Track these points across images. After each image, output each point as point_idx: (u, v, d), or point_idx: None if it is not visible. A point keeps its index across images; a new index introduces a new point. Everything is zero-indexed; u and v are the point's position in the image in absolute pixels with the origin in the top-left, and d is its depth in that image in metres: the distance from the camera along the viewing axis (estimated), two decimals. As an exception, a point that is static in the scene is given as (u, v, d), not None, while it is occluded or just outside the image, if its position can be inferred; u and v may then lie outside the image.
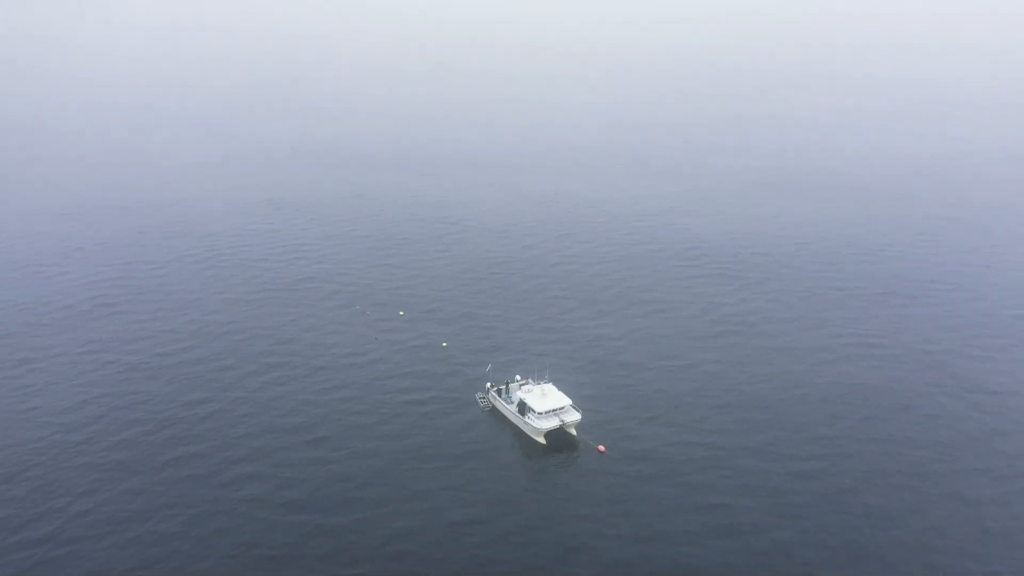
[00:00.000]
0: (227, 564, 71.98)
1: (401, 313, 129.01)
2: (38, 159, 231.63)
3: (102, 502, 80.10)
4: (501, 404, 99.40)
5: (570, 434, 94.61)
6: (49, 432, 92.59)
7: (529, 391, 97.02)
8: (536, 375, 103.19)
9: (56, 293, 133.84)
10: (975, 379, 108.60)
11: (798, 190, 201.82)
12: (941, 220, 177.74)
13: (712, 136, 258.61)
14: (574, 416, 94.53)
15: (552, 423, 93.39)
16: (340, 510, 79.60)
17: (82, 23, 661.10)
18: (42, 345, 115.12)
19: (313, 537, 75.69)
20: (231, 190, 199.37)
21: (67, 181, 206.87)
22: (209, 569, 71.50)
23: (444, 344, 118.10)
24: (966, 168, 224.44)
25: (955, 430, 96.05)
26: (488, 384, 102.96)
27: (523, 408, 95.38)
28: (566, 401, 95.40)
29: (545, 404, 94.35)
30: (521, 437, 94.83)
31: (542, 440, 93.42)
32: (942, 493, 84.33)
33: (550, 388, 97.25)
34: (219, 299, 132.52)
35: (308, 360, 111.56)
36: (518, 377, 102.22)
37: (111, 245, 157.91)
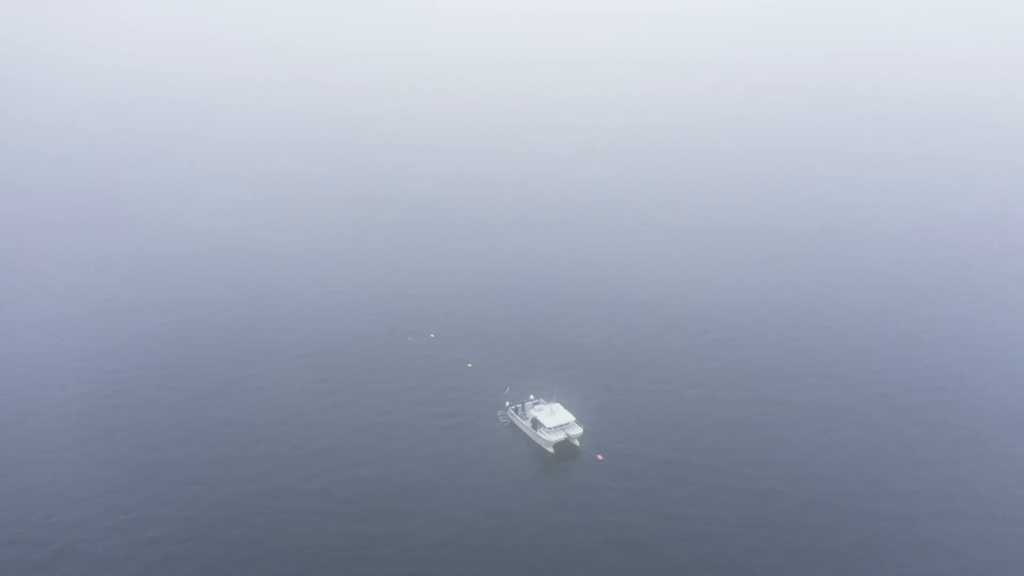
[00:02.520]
0: (304, 563, 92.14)
1: (432, 335, 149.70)
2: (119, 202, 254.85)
3: (202, 511, 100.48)
4: (517, 420, 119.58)
5: (574, 445, 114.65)
6: (147, 452, 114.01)
7: (540, 409, 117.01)
8: (547, 396, 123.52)
9: (117, 331, 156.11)
10: (920, 412, 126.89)
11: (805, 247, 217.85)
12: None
13: (724, 192, 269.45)
14: (577, 430, 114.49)
15: (559, 436, 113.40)
16: (388, 516, 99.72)
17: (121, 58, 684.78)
18: (125, 368, 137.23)
19: (369, 540, 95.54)
20: (277, 229, 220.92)
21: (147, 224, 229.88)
22: (292, 567, 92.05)
23: (469, 365, 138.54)
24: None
25: (905, 456, 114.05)
26: (507, 403, 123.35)
27: (535, 424, 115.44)
28: (571, 418, 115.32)
29: (553, 420, 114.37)
30: (534, 447, 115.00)
31: (551, 450, 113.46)
32: (888, 509, 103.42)
33: (558, 407, 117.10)
34: (273, 329, 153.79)
35: (357, 383, 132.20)
36: (532, 397, 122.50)
37: (172, 277, 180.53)
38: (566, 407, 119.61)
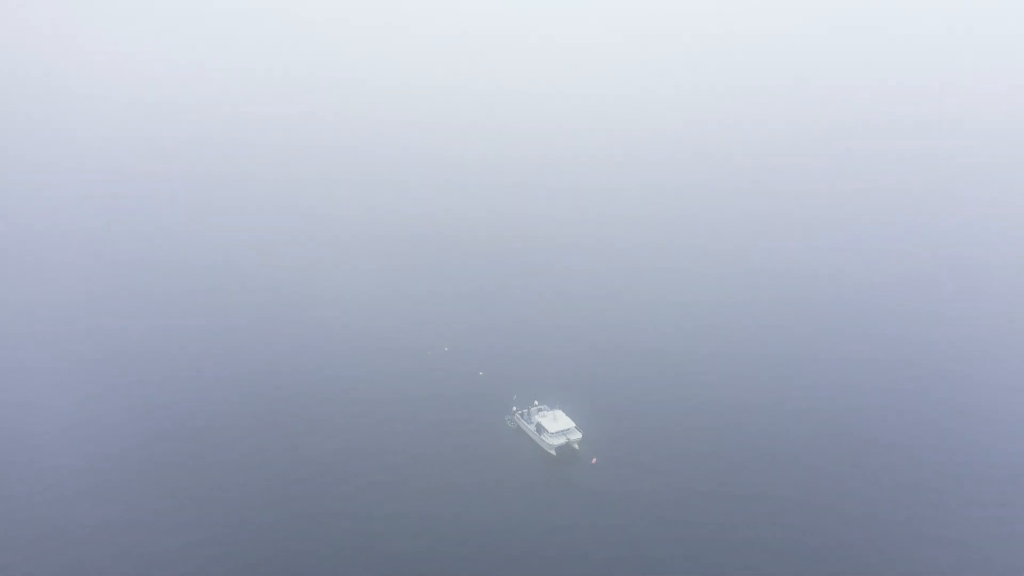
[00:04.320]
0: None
1: (446, 348, 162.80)
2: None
3: (250, 534, 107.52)
4: (523, 424, 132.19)
5: (574, 448, 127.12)
6: (194, 474, 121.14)
7: (544, 415, 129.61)
8: (550, 403, 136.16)
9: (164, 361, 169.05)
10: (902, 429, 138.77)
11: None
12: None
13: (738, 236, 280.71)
14: (577, 435, 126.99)
15: (561, 440, 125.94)
16: (408, 516, 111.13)
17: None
18: (167, 398, 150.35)
19: (392, 540, 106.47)
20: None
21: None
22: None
23: (480, 373, 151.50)
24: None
25: (877, 482, 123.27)
26: (514, 408, 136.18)
27: (539, 428, 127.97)
28: (571, 424, 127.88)
29: (556, 426, 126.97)
30: (537, 450, 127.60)
31: (553, 453, 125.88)
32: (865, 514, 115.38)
33: (560, 413, 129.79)
34: (299, 355, 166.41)
35: (380, 392, 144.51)
36: (536, 403, 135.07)
37: (222, 295, 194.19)
38: (567, 414, 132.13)
